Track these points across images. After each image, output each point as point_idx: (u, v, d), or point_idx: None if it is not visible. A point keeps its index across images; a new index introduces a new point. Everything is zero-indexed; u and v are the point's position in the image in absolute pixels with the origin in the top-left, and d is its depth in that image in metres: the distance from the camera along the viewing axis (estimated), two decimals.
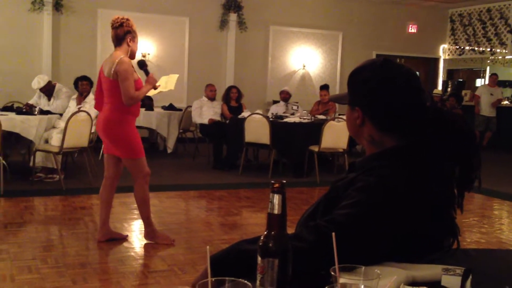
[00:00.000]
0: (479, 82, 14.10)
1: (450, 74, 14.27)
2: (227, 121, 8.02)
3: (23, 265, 3.61)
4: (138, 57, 6.65)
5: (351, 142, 7.04)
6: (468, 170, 1.33)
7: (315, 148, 7.06)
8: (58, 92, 7.09)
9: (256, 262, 1.02)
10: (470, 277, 1.09)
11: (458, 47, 13.25)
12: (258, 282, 1.02)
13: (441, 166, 1.32)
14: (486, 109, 11.31)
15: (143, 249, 4.13)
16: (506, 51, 12.30)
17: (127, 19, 3.95)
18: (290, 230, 1.12)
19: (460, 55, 13.31)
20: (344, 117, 2.39)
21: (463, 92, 12.66)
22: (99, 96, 4.11)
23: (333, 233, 1.02)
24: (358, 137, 1.43)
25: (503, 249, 4.37)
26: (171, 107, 9.23)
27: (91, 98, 6.51)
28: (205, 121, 8.19)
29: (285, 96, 8.98)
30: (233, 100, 8.45)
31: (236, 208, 5.66)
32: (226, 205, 5.76)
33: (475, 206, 6.11)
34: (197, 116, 8.33)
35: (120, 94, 3.86)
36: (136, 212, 4.46)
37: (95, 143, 6.76)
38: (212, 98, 8.39)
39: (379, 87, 1.35)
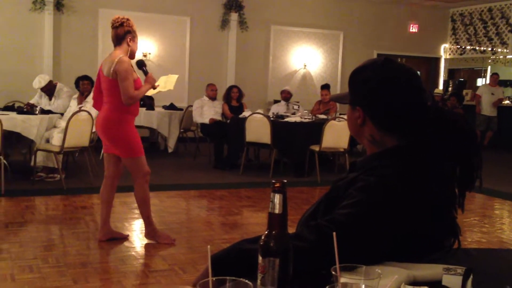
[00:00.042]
0: (480, 82, 14.09)
1: (451, 73, 14.25)
2: (228, 121, 8.02)
3: (24, 264, 3.61)
4: (139, 56, 6.66)
5: (352, 141, 7.03)
6: (469, 170, 1.33)
7: (316, 148, 7.06)
8: (59, 91, 7.09)
9: (257, 261, 1.02)
10: (471, 276, 1.09)
11: (459, 46, 13.23)
12: (259, 281, 1.02)
13: (442, 165, 1.31)
14: (487, 109, 11.30)
15: (144, 249, 4.13)
16: (507, 51, 12.28)
17: (127, 19, 3.96)
18: (291, 230, 1.12)
19: (461, 54, 13.29)
20: (345, 116, 2.39)
21: (464, 91, 12.66)
22: (97, 96, 4.11)
23: (334, 233, 1.01)
24: (359, 137, 1.43)
25: (504, 248, 4.36)
26: (172, 107, 9.22)
27: (92, 98, 6.51)
28: (206, 120, 8.18)
29: (286, 96, 8.98)
30: (234, 99, 8.45)
31: (237, 207, 5.66)
32: (227, 205, 5.76)
33: (476, 206, 6.10)
34: (198, 116, 8.33)
35: (119, 93, 3.86)
36: (137, 211, 4.46)
37: (96, 142, 6.75)
38: (213, 98, 8.39)
39: (380, 86, 1.35)
